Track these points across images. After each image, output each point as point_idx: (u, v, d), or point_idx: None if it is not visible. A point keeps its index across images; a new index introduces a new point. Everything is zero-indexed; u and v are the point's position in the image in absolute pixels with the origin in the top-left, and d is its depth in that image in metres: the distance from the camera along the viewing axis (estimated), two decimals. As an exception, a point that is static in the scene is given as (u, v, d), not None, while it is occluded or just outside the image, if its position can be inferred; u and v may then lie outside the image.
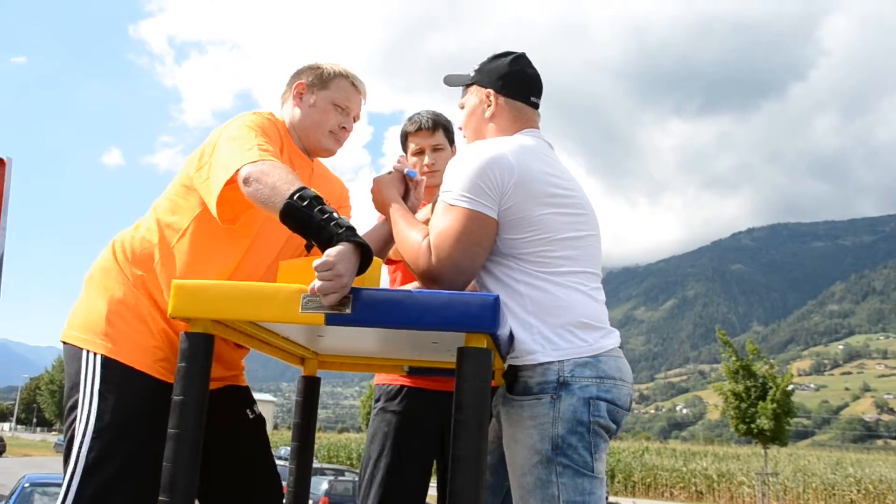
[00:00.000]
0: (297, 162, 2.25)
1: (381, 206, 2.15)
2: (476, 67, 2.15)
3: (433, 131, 2.82)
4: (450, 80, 2.24)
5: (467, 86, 2.17)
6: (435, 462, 2.78)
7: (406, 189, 2.22)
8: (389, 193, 2.13)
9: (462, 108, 2.18)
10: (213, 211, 1.96)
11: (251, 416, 2.33)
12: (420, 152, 2.83)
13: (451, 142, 2.88)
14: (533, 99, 2.12)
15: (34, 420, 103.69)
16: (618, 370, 1.88)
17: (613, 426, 1.86)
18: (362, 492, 2.67)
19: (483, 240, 1.86)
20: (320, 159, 2.39)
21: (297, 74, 2.30)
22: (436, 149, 2.82)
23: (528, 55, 2.15)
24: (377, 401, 2.78)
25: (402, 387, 2.72)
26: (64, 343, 2.11)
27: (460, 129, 2.20)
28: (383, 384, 2.77)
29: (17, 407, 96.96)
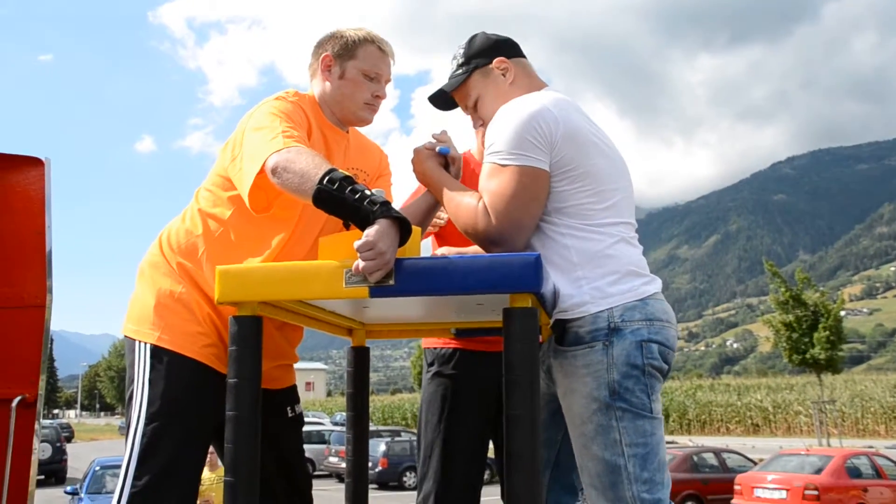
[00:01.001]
0: (331, 136, 2.23)
1: (423, 176, 2.12)
2: (460, 62, 2.11)
3: None
4: (443, 92, 2.16)
5: (464, 84, 2.11)
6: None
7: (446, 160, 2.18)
8: (430, 164, 2.10)
9: (474, 105, 2.11)
10: (246, 202, 1.97)
11: (290, 415, 2.35)
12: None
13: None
14: (523, 52, 2.14)
15: (97, 405, 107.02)
16: (664, 312, 1.90)
17: (665, 367, 1.88)
18: (422, 455, 2.69)
19: (539, 193, 1.86)
20: (356, 128, 2.37)
21: (322, 45, 2.24)
22: None
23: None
24: (430, 364, 2.78)
25: (456, 350, 2.72)
26: (124, 336, 2.18)
27: (482, 126, 2.11)
28: (435, 347, 2.77)
29: (79, 394, 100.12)
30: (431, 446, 2.67)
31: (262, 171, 1.88)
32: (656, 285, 1.93)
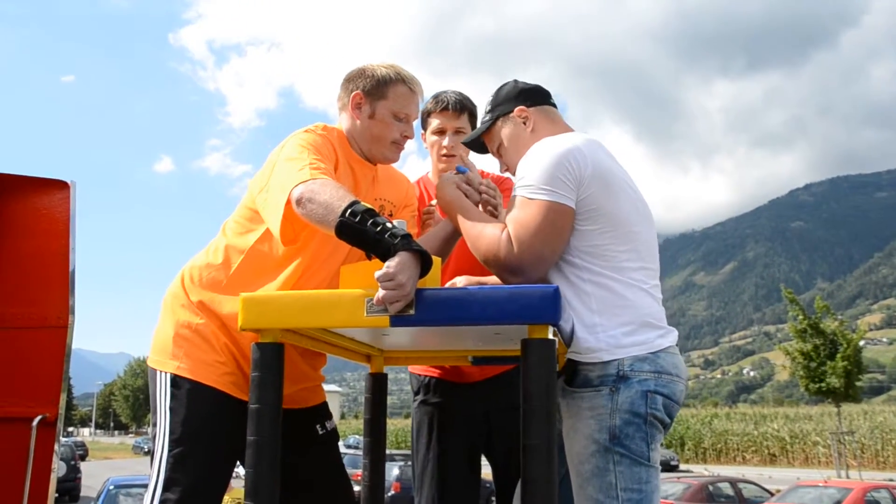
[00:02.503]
0: (358, 169, 2.27)
1: (447, 204, 2.16)
2: (487, 110, 2.20)
3: (459, 114, 2.71)
4: (470, 138, 2.27)
5: (491, 127, 2.19)
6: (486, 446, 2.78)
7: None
8: (453, 192, 2.15)
9: (498, 150, 2.19)
10: (276, 233, 2.00)
11: (321, 433, 2.37)
12: (440, 132, 2.72)
13: (475, 127, 2.72)
14: (551, 101, 2.20)
15: (111, 424, 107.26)
16: (674, 366, 1.92)
17: (668, 420, 1.91)
18: (416, 485, 2.71)
19: (563, 230, 1.89)
20: None
21: (352, 80, 2.25)
22: (458, 131, 2.70)
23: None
24: (416, 393, 2.80)
25: (435, 379, 2.73)
26: (148, 367, 2.23)
27: (506, 170, 2.20)
28: (419, 374, 2.78)
29: (94, 412, 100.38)
30: (422, 476, 2.69)
31: (288, 201, 1.92)
32: (671, 338, 1.96)
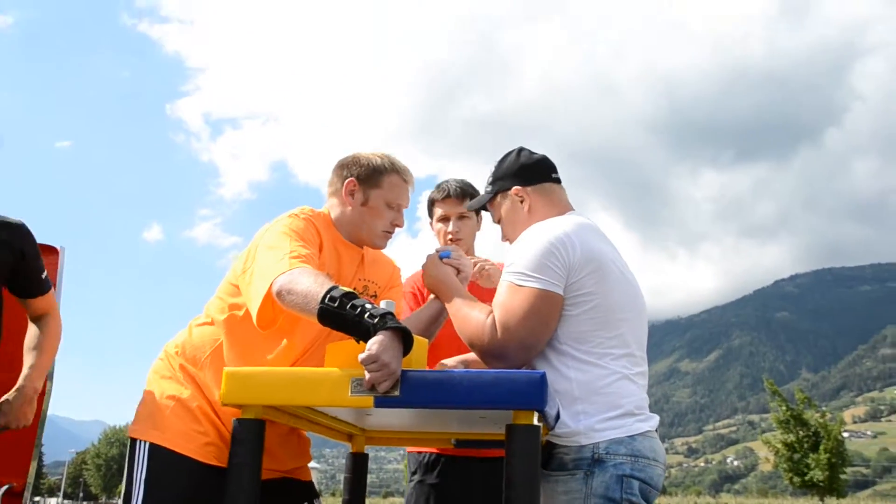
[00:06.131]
0: (344, 252, 2.29)
1: (434, 281, 2.17)
2: (489, 181, 2.22)
3: (460, 200, 2.85)
4: (473, 205, 2.33)
5: (491, 201, 2.22)
6: None
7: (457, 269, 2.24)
8: (441, 271, 2.16)
9: (499, 221, 2.22)
10: (254, 319, 2.02)
11: None
12: (445, 219, 2.87)
13: (478, 212, 2.90)
14: (553, 175, 2.20)
15: (80, 494, 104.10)
16: (651, 450, 1.89)
17: None
18: None
19: (550, 318, 1.89)
20: None
21: (346, 167, 2.29)
22: (461, 217, 2.86)
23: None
24: (413, 472, 2.80)
25: (438, 456, 2.75)
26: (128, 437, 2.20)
27: (505, 240, 2.22)
28: (418, 452, 2.80)
29: (63, 482, 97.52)
30: None
31: (269, 292, 1.94)
32: (651, 423, 1.94)
